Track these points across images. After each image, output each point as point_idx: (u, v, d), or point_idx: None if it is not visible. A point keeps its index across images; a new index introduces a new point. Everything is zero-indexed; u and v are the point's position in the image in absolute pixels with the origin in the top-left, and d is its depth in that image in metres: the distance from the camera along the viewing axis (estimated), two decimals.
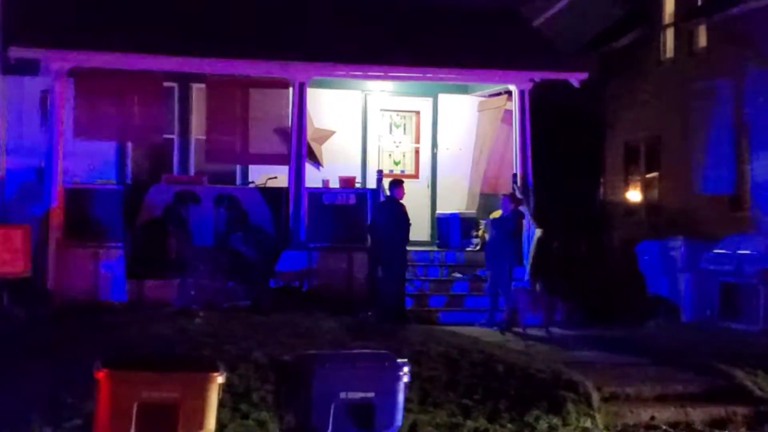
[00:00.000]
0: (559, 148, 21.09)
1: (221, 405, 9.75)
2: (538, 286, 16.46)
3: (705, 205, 19.21)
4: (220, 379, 7.50)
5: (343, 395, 7.47)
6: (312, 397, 7.38)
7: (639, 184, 21.79)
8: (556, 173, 20.12)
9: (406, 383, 7.73)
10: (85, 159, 17.52)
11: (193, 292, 15.95)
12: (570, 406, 10.75)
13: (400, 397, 7.65)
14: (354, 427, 7.53)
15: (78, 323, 13.50)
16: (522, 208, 16.95)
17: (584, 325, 15.37)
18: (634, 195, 21.92)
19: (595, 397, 11.03)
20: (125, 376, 7.34)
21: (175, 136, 18.39)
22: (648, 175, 21.47)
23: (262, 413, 9.97)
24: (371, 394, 7.52)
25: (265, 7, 18.22)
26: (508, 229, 16.25)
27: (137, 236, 16.49)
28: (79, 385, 9.49)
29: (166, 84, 17.53)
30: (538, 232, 16.94)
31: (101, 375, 7.37)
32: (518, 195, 17.34)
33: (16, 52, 16.08)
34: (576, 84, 18.00)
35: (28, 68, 16.88)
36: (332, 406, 7.42)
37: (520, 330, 15.57)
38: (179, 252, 16.50)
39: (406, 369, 7.71)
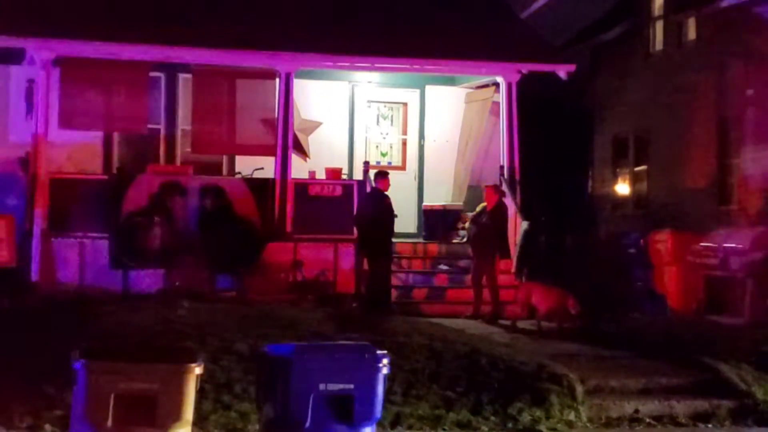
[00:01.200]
0: (547, 140, 21.07)
1: (204, 396, 9.77)
2: (524, 279, 16.43)
3: (692, 198, 19.21)
4: (197, 369, 7.45)
5: (322, 387, 7.41)
6: (290, 389, 7.33)
7: (627, 177, 21.78)
8: (544, 166, 20.11)
9: (385, 375, 7.68)
10: (71, 149, 17.47)
11: (177, 283, 15.91)
12: (553, 399, 10.75)
13: (380, 389, 7.61)
14: (333, 419, 7.48)
15: (62, 314, 13.40)
16: (507, 200, 16.91)
17: (570, 317, 15.31)
18: (622, 188, 21.92)
19: (579, 389, 11.02)
20: (102, 366, 7.28)
21: (161, 126, 18.31)
22: (636, 168, 21.47)
23: (244, 404, 9.96)
24: (351, 386, 7.47)
25: None
26: (492, 221, 16.22)
27: (122, 226, 16.43)
28: (60, 376, 9.44)
29: (152, 74, 17.48)
30: (524, 225, 16.90)
31: (78, 365, 7.32)
32: (503, 187, 17.31)
33: (0, 41, 15.98)
34: (563, 76, 17.98)
35: (14, 57, 16.83)
36: (311, 398, 7.37)
37: (506, 322, 15.54)
38: (164, 242, 16.45)
39: (385, 360, 7.66)
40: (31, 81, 16.95)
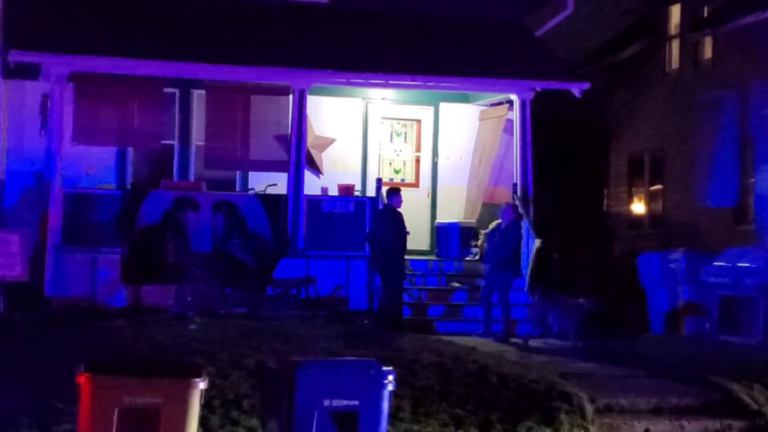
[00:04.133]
0: (562, 158, 21.04)
1: (212, 411, 9.76)
2: (536, 297, 16.37)
3: (708, 217, 19.14)
4: (202, 385, 7.41)
5: (327, 403, 7.38)
6: (295, 404, 7.30)
7: (642, 195, 21.72)
8: (558, 184, 20.08)
9: (391, 391, 7.63)
10: (85, 164, 17.54)
11: (189, 298, 15.92)
12: (563, 418, 10.65)
13: (385, 406, 7.56)
14: None
15: (73, 328, 13.46)
16: (521, 219, 16.87)
17: (582, 336, 15.25)
18: (637, 207, 21.86)
19: (589, 408, 10.93)
20: (106, 380, 7.26)
21: (175, 142, 18.36)
22: (652, 188, 21.41)
23: (253, 420, 9.91)
24: (356, 402, 7.43)
25: (266, 14, 18.18)
26: (507, 239, 16.17)
27: (135, 242, 16.47)
28: (69, 390, 9.43)
29: (166, 90, 17.53)
30: (537, 243, 16.85)
31: (82, 379, 7.30)
32: (518, 205, 17.26)
33: (16, 56, 16.08)
34: (578, 94, 17.92)
35: (29, 72, 16.87)
36: (315, 414, 7.34)
37: (518, 340, 15.48)
38: (177, 258, 16.47)
39: (391, 377, 7.61)
40: (45, 96, 17.00)
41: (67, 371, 9.81)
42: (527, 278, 16.77)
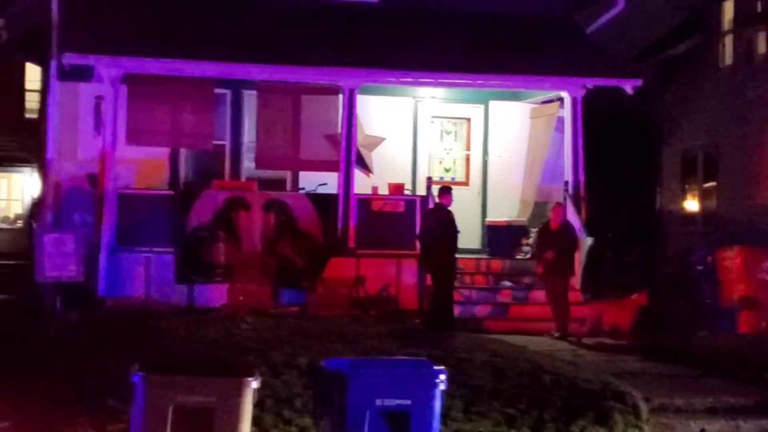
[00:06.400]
0: (614, 156, 20.87)
1: (264, 410, 9.80)
2: (589, 296, 16.26)
3: (764, 214, 18.88)
4: (254, 384, 7.44)
5: (378, 402, 7.37)
6: (347, 404, 7.30)
7: (696, 193, 21.51)
8: (610, 182, 19.92)
9: (443, 391, 7.61)
10: (138, 164, 17.68)
11: (241, 297, 16.00)
12: (617, 417, 10.56)
13: (437, 405, 7.54)
14: None
15: (127, 328, 13.57)
16: (571, 217, 16.75)
17: (636, 334, 15.13)
18: (690, 204, 21.64)
19: (644, 408, 10.83)
20: (160, 379, 7.31)
21: (226, 142, 18.47)
22: (706, 185, 21.18)
23: (305, 419, 9.94)
24: (407, 402, 7.42)
25: (316, 14, 18.23)
26: (562, 239, 16.06)
27: (188, 241, 16.59)
28: (124, 389, 9.52)
29: (217, 90, 17.62)
30: (589, 241, 16.74)
31: (137, 378, 7.36)
32: (568, 203, 17.14)
33: (70, 59, 16.26)
34: (630, 91, 17.78)
35: (83, 74, 17.05)
36: (367, 414, 7.33)
37: (572, 339, 15.39)
38: (228, 257, 16.57)
39: (443, 376, 7.59)
40: (99, 98, 17.18)
41: (121, 370, 9.92)
42: (580, 277, 16.64)
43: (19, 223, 32.66)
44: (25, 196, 32.89)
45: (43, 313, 15.27)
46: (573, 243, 16.19)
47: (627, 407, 10.73)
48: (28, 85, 31.72)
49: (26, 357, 12.34)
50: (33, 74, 29.35)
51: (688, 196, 21.75)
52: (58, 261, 15.30)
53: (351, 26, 18.11)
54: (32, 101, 31.14)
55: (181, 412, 7.31)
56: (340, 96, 17.44)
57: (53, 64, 17.48)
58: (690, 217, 21.62)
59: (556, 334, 15.60)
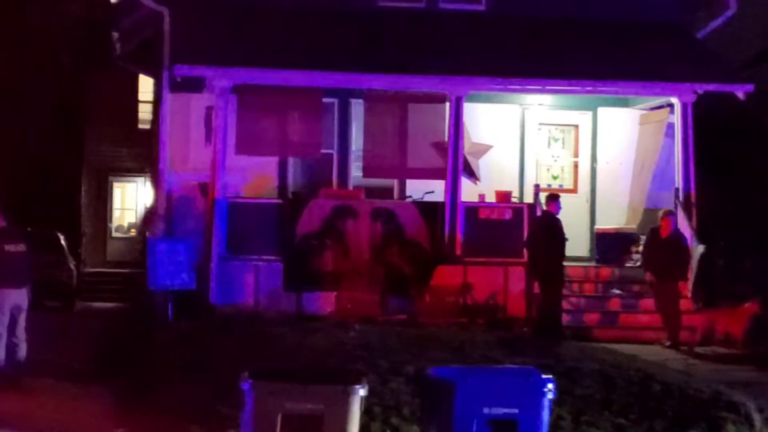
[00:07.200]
0: (725, 162, 20.47)
1: (372, 418, 9.84)
2: (701, 304, 15.99)
3: None
4: (362, 391, 7.49)
5: (486, 411, 7.35)
6: (454, 412, 7.29)
7: None
8: (722, 189, 19.53)
9: (551, 400, 7.56)
10: (247, 173, 17.94)
11: (349, 305, 16.11)
12: (730, 427, 10.36)
13: (545, 414, 7.49)
14: None
15: (237, 335, 13.78)
16: (682, 224, 16.48)
17: (749, 343, 14.82)
18: None
19: (758, 418, 10.61)
20: (269, 387, 7.41)
21: (334, 151, 18.63)
22: None
23: (413, 427, 9.95)
24: (515, 410, 7.39)
25: (423, 22, 18.29)
26: (673, 247, 15.81)
27: (295, 249, 16.77)
28: (234, 396, 9.67)
29: (325, 100, 17.79)
30: (700, 249, 16.45)
31: (246, 385, 7.48)
32: (678, 210, 16.87)
33: (182, 70, 16.55)
34: (741, 96, 17.43)
35: (194, 86, 17.33)
36: (474, 422, 7.32)
37: (683, 348, 15.15)
38: (336, 265, 16.70)
39: (550, 385, 7.54)
40: (209, 108, 17.45)
41: (232, 377, 10.08)
42: (691, 285, 16.36)
43: (133, 233, 33.44)
44: (138, 206, 33.65)
45: (156, 321, 15.57)
46: (683, 251, 15.93)
47: (740, 417, 10.52)
48: (141, 97, 32.36)
49: (140, 364, 12.63)
50: (146, 86, 29.96)
51: None
52: (171, 269, 15.63)
53: (457, 33, 18.11)
54: (145, 112, 31.78)
55: (289, 419, 7.40)
56: (447, 104, 17.46)
57: (165, 75, 17.85)
58: None
59: (667, 343, 15.38)
